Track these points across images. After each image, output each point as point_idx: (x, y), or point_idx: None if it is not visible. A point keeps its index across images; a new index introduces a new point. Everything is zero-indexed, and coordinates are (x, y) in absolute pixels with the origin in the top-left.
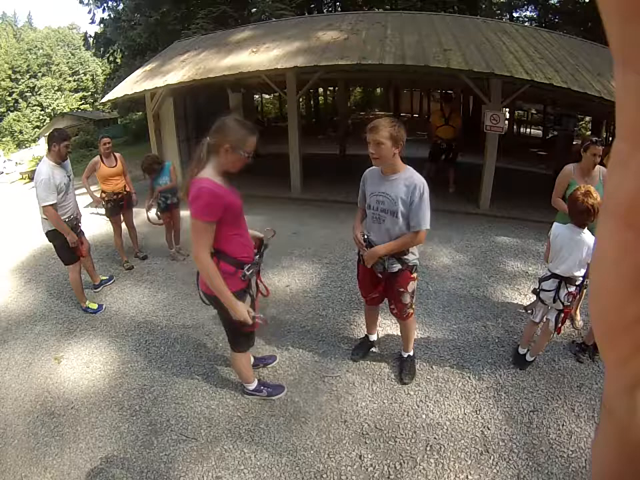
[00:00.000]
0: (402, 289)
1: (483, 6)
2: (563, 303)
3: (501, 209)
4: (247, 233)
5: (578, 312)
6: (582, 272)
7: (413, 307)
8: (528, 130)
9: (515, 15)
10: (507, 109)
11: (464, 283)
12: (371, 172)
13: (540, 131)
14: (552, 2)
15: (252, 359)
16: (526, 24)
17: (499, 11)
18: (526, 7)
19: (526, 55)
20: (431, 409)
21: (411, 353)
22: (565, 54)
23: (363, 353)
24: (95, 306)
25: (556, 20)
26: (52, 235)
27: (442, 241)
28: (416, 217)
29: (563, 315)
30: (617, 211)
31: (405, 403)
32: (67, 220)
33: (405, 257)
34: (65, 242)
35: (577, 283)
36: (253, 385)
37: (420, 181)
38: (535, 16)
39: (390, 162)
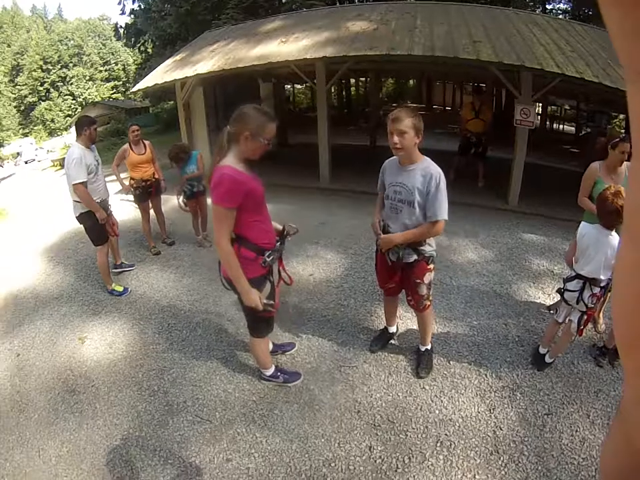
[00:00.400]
0: (418, 280)
1: None
2: (586, 305)
3: (530, 206)
4: (269, 220)
5: (601, 315)
6: (607, 274)
7: (430, 298)
8: (561, 126)
9: (548, 7)
10: (540, 104)
11: (487, 279)
12: (390, 162)
13: (573, 128)
14: None
15: (271, 345)
16: (559, 16)
17: (531, 3)
18: None
19: (557, 47)
20: (445, 404)
21: (429, 347)
22: (597, 47)
23: (382, 344)
24: (120, 288)
25: (589, 12)
26: (83, 218)
27: (468, 235)
28: (432, 206)
29: (585, 316)
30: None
31: (419, 397)
32: (97, 202)
33: (422, 247)
34: (96, 223)
35: (602, 285)
36: (270, 371)
37: (436, 170)
38: (568, 8)
39: (410, 152)
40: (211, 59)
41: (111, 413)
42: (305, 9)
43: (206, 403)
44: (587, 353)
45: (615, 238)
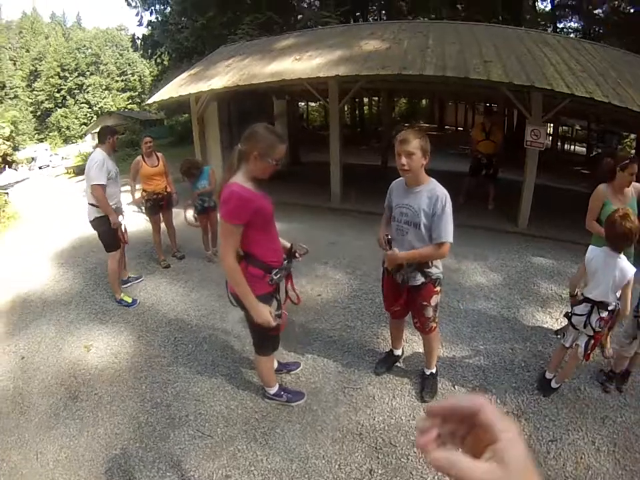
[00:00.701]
0: (425, 303)
1: (528, 17)
2: (593, 329)
3: (539, 229)
4: (277, 239)
5: (608, 339)
6: (615, 297)
7: (436, 320)
8: (572, 147)
9: (559, 25)
10: (551, 125)
11: (495, 303)
12: (397, 184)
13: (584, 148)
14: (596, 12)
15: (276, 364)
16: (571, 35)
17: (543, 22)
18: (570, 17)
19: (567, 67)
20: None
21: (434, 371)
22: (607, 66)
23: (387, 367)
24: (129, 299)
25: (600, 31)
26: (97, 222)
27: (477, 258)
28: (437, 228)
29: (593, 341)
30: None
31: None
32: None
33: (429, 270)
34: (110, 228)
35: (610, 308)
36: (274, 390)
37: (442, 192)
38: (579, 27)
39: (417, 173)
40: (225, 74)
41: (112, 422)
42: (319, 27)
43: (208, 418)
44: (594, 378)
45: (622, 260)
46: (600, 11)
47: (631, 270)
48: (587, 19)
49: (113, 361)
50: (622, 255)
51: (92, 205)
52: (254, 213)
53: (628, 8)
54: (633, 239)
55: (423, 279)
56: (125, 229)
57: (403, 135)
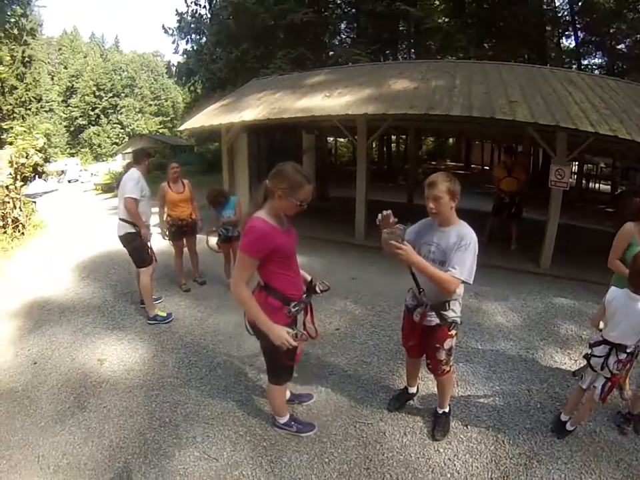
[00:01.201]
0: (438, 345)
1: (553, 54)
2: (610, 371)
3: (562, 269)
4: (298, 273)
5: (627, 381)
6: (634, 340)
7: (450, 364)
8: (596, 185)
9: (583, 62)
10: (577, 163)
11: (514, 344)
12: (428, 220)
13: (609, 186)
14: (619, 47)
15: (288, 394)
16: (595, 71)
17: (568, 59)
18: (594, 54)
19: (591, 105)
20: (458, 468)
21: (446, 410)
22: (631, 102)
23: (400, 404)
24: (163, 313)
25: (623, 67)
26: (128, 237)
27: (498, 299)
28: (451, 261)
29: (610, 383)
30: None
31: (432, 459)
32: None
33: (445, 312)
34: (142, 244)
35: (628, 351)
36: (284, 419)
37: (470, 234)
38: (603, 63)
39: (447, 216)
40: (257, 107)
41: (119, 435)
42: (350, 64)
43: (216, 441)
44: (611, 420)
45: None
46: (623, 46)
47: None
48: (611, 54)
49: (125, 376)
50: None
51: (123, 220)
52: (273, 249)
53: None
54: None
55: (437, 321)
56: (152, 250)
57: (431, 179)
